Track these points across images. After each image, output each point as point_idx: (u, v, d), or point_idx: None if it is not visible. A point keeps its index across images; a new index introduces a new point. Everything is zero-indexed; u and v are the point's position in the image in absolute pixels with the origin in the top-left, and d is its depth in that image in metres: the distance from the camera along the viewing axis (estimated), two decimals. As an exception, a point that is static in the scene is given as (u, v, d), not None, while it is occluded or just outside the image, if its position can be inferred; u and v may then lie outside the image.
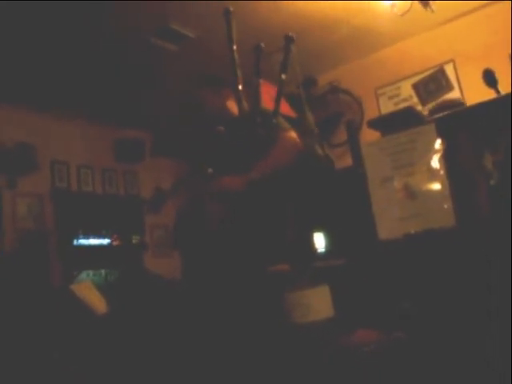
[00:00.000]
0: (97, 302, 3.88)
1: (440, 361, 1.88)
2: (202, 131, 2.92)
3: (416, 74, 5.28)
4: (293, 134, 2.59)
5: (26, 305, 4.07)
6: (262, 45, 2.55)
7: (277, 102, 2.55)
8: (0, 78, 4.93)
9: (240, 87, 2.57)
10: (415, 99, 5.25)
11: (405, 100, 5.31)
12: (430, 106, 4.50)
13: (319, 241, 2.96)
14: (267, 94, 2.87)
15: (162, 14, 4.33)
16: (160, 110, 6.16)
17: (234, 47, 2.56)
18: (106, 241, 6.19)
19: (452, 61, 5.07)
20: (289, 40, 2.55)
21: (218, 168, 2.62)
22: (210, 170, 2.60)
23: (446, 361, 1.87)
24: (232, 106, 2.79)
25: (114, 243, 6.26)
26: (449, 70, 5.09)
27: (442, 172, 2.11)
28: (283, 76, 2.55)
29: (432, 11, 4.33)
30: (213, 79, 2.89)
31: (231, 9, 2.57)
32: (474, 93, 3.36)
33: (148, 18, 4.33)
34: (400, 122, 2.30)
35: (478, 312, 1.90)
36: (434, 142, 2.15)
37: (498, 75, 2.84)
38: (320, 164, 2.78)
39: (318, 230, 2.75)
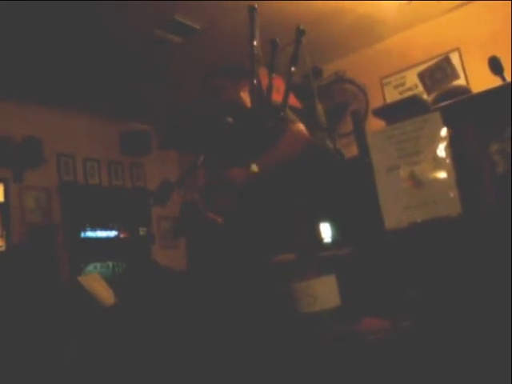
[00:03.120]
0: (104, 293, 3.91)
1: (447, 350, 1.89)
2: (212, 119, 2.93)
3: (421, 62, 5.27)
4: (300, 127, 2.60)
5: (34, 297, 4.11)
6: (278, 40, 2.55)
7: (285, 94, 2.55)
8: (7, 74, 4.96)
9: (255, 81, 2.58)
10: (420, 88, 5.24)
11: (410, 89, 5.30)
12: (435, 93, 4.49)
13: (325, 230, 2.97)
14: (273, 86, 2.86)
15: (166, 6, 4.33)
16: (166, 102, 6.17)
17: (255, 43, 2.56)
18: (113, 233, 6.22)
19: (457, 49, 5.05)
20: (300, 33, 2.55)
21: (225, 159, 2.63)
22: (216, 161, 2.61)
23: (453, 350, 1.88)
24: (246, 97, 2.80)
25: (121, 235, 6.29)
26: (454, 59, 5.07)
27: (447, 160, 2.10)
28: (293, 68, 2.54)
29: (437, 0, 4.31)
30: (231, 69, 2.88)
31: (256, 5, 2.57)
32: (480, 81, 3.34)
33: (152, 10, 4.32)
34: (405, 110, 2.29)
35: (486, 301, 1.90)
36: (439, 130, 2.14)
37: (503, 63, 2.83)
38: (330, 158, 2.79)
39: (325, 219, 2.76)
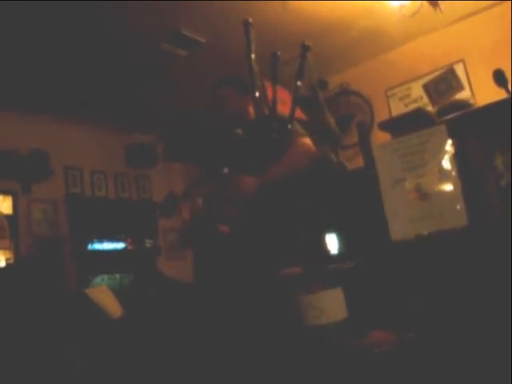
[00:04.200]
0: (112, 305, 3.92)
1: (453, 361, 1.89)
2: (218, 129, 2.95)
3: (426, 74, 5.28)
4: (307, 140, 2.62)
5: (42, 309, 4.12)
6: (279, 53, 2.58)
7: (292, 108, 2.59)
8: (13, 86, 5.00)
9: (257, 94, 2.61)
10: (425, 100, 5.24)
11: (415, 101, 5.30)
12: (438, 106, 4.50)
13: (332, 242, 2.98)
14: (278, 98, 2.88)
15: (172, 20, 4.37)
16: (171, 114, 6.21)
17: (253, 56, 2.59)
18: (119, 245, 6.24)
19: (462, 61, 5.06)
20: (305, 48, 2.59)
21: (234, 168, 2.64)
22: (225, 170, 2.61)
23: (459, 362, 1.88)
24: (251, 109, 2.83)
25: (128, 247, 6.31)
26: (459, 70, 5.08)
27: (453, 173, 2.12)
28: (299, 83, 2.58)
29: (441, 11, 4.33)
30: (236, 80, 2.91)
31: (250, 20, 2.60)
32: (485, 92, 3.36)
33: (159, 23, 4.37)
34: (411, 123, 2.31)
35: (492, 312, 1.90)
36: (444, 142, 2.15)
37: (508, 74, 2.84)
38: (334, 170, 2.81)
39: (331, 231, 2.77)
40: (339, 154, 2.99)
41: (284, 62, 2.71)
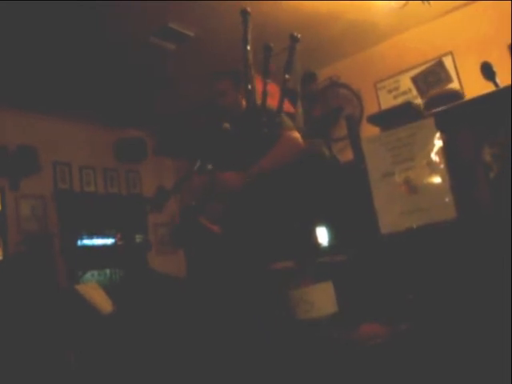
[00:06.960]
0: (102, 301, 3.91)
1: (445, 353, 1.90)
2: (209, 124, 2.95)
3: (415, 66, 5.29)
4: (295, 134, 2.63)
5: (32, 306, 4.10)
6: (271, 44, 2.57)
7: (280, 101, 2.58)
8: (1, 82, 4.95)
9: (250, 86, 2.60)
10: (414, 92, 5.26)
11: (404, 93, 5.32)
12: (426, 99, 4.50)
13: (322, 236, 2.98)
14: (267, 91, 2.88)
15: (160, 14, 4.34)
16: (160, 109, 6.18)
17: (248, 47, 2.58)
18: (109, 240, 6.21)
19: (450, 53, 5.08)
20: (294, 39, 2.58)
21: (219, 164, 2.64)
22: (209, 166, 2.62)
23: (451, 353, 1.89)
24: (244, 102, 2.82)
25: (118, 243, 6.28)
26: (447, 62, 5.10)
27: (442, 166, 2.12)
28: (287, 75, 2.58)
29: (429, 4, 4.34)
30: (233, 74, 2.89)
31: (248, 9, 2.59)
32: (474, 84, 3.36)
33: (147, 17, 4.34)
34: (399, 116, 2.31)
35: (482, 304, 1.91)
36: (433, 135, 2.15)
37: (497, 66, 2.83)
38: (324, 163, 2.81)
39: (321, 225, 2.77)
40: (331, 147, 2.99)
41: (274, 54, 2.70)
